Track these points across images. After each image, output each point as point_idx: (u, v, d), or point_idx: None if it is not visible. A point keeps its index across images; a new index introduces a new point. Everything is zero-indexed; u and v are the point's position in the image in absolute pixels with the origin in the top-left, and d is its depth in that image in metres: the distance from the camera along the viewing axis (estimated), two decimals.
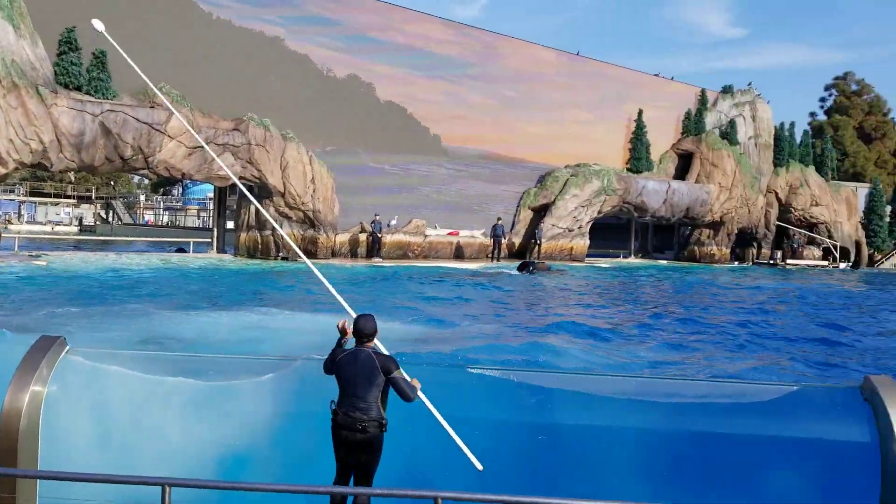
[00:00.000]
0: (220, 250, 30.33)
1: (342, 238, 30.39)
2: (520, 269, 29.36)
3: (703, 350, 11.65)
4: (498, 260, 33.39)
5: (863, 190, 52.08)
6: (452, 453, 5.09)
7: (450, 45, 35.28)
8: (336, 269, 24.61)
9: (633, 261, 42.15)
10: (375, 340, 5.15)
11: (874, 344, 13.76)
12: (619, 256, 42.63)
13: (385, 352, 5.18)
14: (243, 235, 28.97)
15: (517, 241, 36.19)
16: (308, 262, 7.09)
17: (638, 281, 29.04)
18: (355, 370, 4.95)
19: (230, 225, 32.61)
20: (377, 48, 32.70)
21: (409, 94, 33.59)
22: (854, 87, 74.20)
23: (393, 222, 31.13)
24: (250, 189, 28.65)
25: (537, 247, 34.91)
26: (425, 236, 32.74)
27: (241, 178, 27.12)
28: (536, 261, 31.34)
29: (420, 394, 5.04)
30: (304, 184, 28.27)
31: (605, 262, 37.36)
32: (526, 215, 36.72)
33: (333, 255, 29.51)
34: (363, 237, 31.06)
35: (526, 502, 3.48)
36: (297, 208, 28.31)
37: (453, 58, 35.24)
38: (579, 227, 37.14)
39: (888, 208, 50.12)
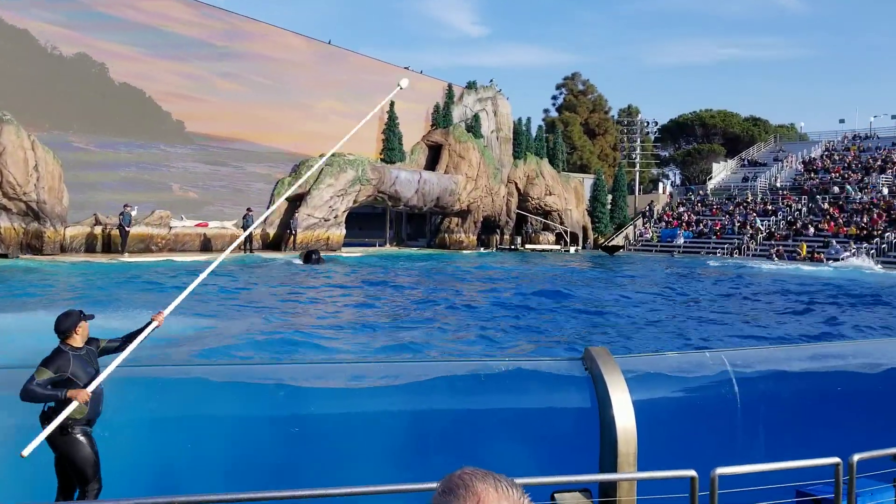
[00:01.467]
0: None
1: (73, 231, 27.66)
2: (305, 259, 29.01)
3: (449, 329, 12.17)
4: (251, 251, 32.38)
5: (588, 180, 57.74)
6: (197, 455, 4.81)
7: (192, 26, 33.44)
8: (70, 268, 22.36)
9: (388, 249, 43.09)
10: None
11: (591, 318, 15.30)
12: (374, 245, 43.35)
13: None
14: None
15: (272, 231, 35.37)
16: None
17: (399, 268, 29.75)
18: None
19: None
20: (109, 25, 30.08)
21: (147, 75, 31.33)
22: (581, 87, 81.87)
23: (133, 213, 28.67)
24: None
25: (293, 237, 34.40)
26: (170, 228, 30.79)
27: None
28: (313, 249, 31.06)
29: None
30: (25, 172, 25.29)
31: (358, 252, 37.72)
32: (280, 205, 35.96)
33: (63, 250, 26.77)
34: (98, 230, 28.51)
35: (250, 498, 3.36)
36: (17, 199, 25.26)
37: (196, 39, 33.46)
38: (335, 217, 37.17)
39: (609, 197, 56.04)
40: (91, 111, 29.17)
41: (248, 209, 33.06)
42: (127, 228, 27.94)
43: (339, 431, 5.49)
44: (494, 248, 48.03)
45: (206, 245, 32.19)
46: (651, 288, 23.73)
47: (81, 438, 4.66)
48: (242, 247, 32.58)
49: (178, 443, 5.12)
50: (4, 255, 24.69)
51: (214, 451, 5.19)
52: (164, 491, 4.27)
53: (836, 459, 4.97)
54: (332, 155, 38.03)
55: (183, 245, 31.27)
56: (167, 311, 5.14)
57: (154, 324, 5.03)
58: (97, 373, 4.84)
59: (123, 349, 5.00)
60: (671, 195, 63.47)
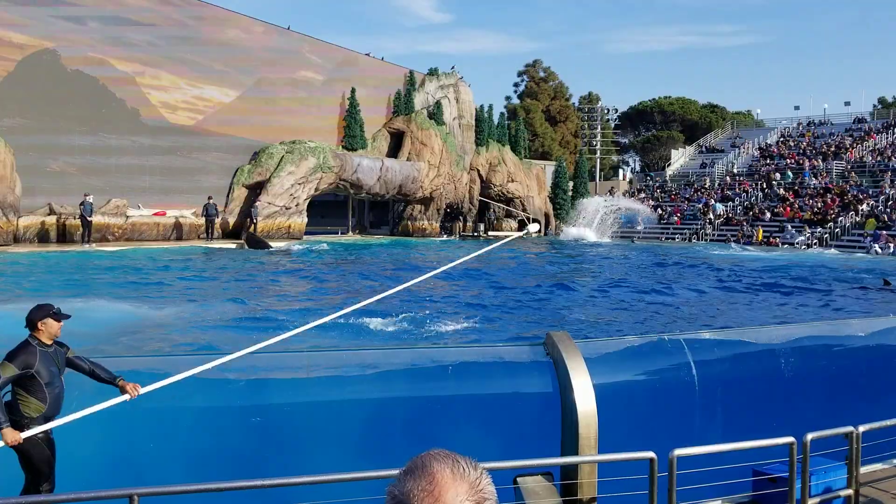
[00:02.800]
0: None
1: (27, 221, 27.01)
2: (249, 243, 29.15)
3: (421, 317, 12.16)
4: (211, 240, 31.97)
5: (550, 167, 58.05)
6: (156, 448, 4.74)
7: (148, 13, 32.74)
8: (27, 259, 21.81)
9: (351, 237, 42.87)
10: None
11: (561, 300, 15.45)
12: (337, 233, 43.09)
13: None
14: None
15: (232, 220, 34.92)
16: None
17: (364, 256, 29.62)
18: None
19: None
20: (60, 10, 29.30)
21: (101, 61, 30.63)
22: (542, 75, 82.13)
23: (89, 199, 27.92)
24: None
25: (253, 225, 34.03)
26: (127, 217, 30.19)
27: None
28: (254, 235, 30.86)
29: None
30: None
31: (321, 239, 37.47)
32: (240, 193, 35.53)
33: (16, 240, 26.12)
34: (53, 220, 27.88)
35: (225, 487, 3.33)
36: None
37: (152, 26, 32.77)
38: (296, 205, 36.82)
39: (570, 183, 56.42)
40: (42, 98, 28.43)
41: (209, 197, 32.63)
42: (89, 218, 27.31)
43: (299, 420, 5.46)
44: (457, 236, 48.08)
45: (167, 234, 31.68)
46: (615, 273, 24.01)
47: (40, 437, 4.55)
48: (206, 236, 32.17)
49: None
50: None
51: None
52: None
53: (790, 439, 5.09)
54: (293, 142, 37.87)
55: (141, 234, 30.72)
56: (145, 389, 4.75)
57: (125, 396, 4.67)
58: (60, 374, 4.71)
59: (90, 375, 4.81)
60: (631, 181, 64.21)
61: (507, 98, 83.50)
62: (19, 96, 27.73)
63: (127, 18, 31.66)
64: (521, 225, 50.92)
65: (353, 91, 41.91)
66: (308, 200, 37.63)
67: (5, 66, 27.43)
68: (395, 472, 3.88)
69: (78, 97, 29.67)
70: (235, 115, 35.96)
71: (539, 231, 50.50)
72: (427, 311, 13.11)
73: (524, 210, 51.35)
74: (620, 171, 73.16)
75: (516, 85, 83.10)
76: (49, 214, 28.01)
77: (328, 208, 43.52)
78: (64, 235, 27.99)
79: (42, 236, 27.59)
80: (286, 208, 36.20)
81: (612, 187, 61.25)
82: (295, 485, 3.51)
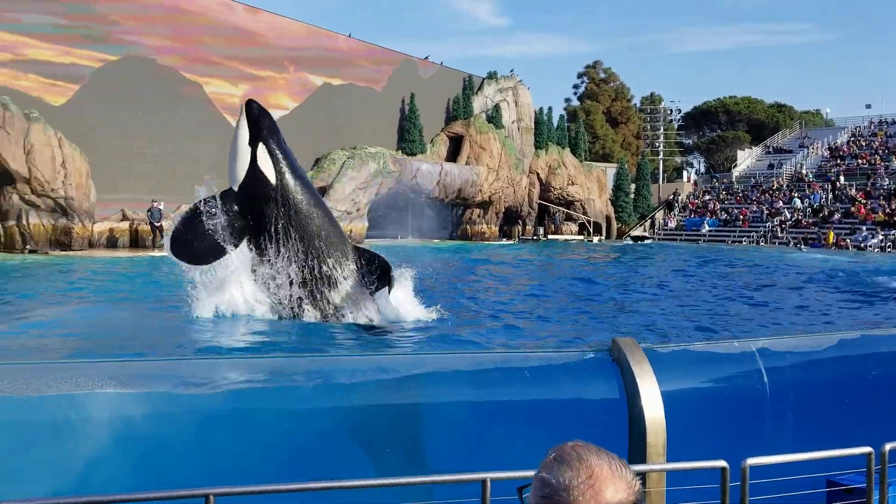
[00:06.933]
0: None
1: (101, 227, 28.04)
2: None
3: (484, 322, 12.16)
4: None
5: (611, 169, 57.37)
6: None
7: (214, 19, 33.64)
8: (110, 264, 22.50)
9: (409, 241, 43.16)
10: None
11: (628, 306, 15.25)
12: (396, 238, 43.43)
13: None
14: None
15: None
16: None
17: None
18: None
19: None
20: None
21: (172, 68, 31.60)
22: (602, 76, 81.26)
23: (161, 207, 28.84)
24: None
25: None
26: None
27: None
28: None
29: None
30: (52, 169, 25.66)
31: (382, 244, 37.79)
32: None
33: (91, 246, 27.13)
34: (124, 226, 28.88)
35: (287, 489, 3.40)
36: (45, 195, 25.65)
37: (214, 28, 33.65)
38: (357, 210, 37.30)
39: (633, 186, 55.65)
40: (120, 107, 29.41)
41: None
42: (157, 224, 28.14)
43: (355, 423, 5.47)
44: (517, 239, 47.92)
45: None
46: (679, 277, 23.58)
47: None
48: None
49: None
50: (34, 251, 25.08)
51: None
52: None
53: (867, 449, 4.93)
54: (353, 148, 38.33)
55: None
56: None
57: None
58: None
59: None
60: (695, 183, 62.90)
61: (567, 100, 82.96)
62: (95, 104, 28.77)
63: (196, 25, 32.57)
64: (582, 228, 50.39)
65: (412, 96, 42.22)
66: (368, 205, 38.06)
67: (81, 77, 28.51)
68: (448, 477, 3.82)
69: (153, 104, 30.64)
70: (298, 122, 36.63)
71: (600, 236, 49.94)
72: (479, 314, 13.11)
73: (585, 213, 50.85)
74: (684, 173, 71.70)
75: (576, 87, 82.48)
76: (122, 220, 29.01)
77: (387, 213, 43.93)
78: (136, 241, 28.94)
79: (115, 242, 28.59)
80: (347, 213, 36.69)
81: (676, 189, 60.13)
82: (338, 488, 3.54)
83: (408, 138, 42.34)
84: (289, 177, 10.32)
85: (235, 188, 10.40)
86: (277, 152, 10.34)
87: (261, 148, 10.21)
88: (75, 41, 28.58)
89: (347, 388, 5.48)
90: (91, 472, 4.46)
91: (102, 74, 29.28)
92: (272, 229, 10.15)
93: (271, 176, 10.22)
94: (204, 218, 9.98)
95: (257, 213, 10.19)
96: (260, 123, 10.37)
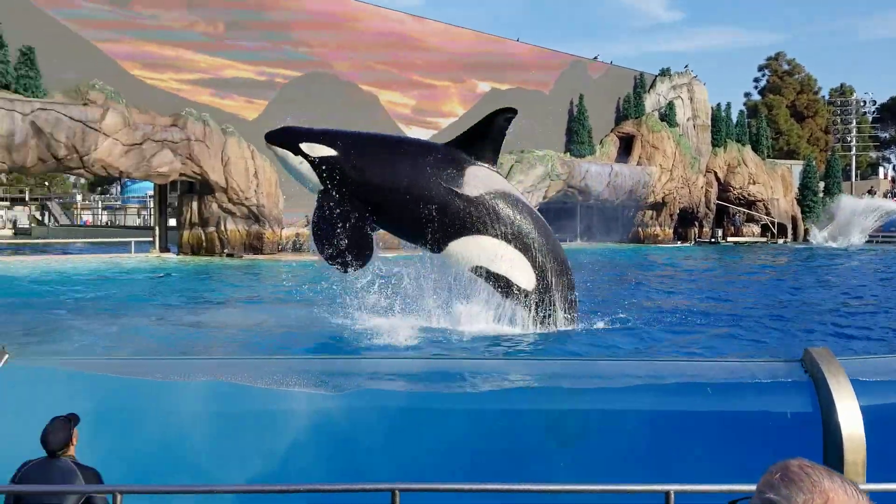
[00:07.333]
0: (163, 248, 29.67)
1: (288, 232, 30.05)
2: None
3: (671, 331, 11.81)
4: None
5: (797, 167, 53.67)
6: None
7: (387, 28, 35.05)
8: (301, 267, 23.98)
9: (578, 244, 42.68)
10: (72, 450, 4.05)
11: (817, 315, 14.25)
12: (564, 241, 43.07)
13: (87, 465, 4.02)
14: (186, 233, 28.41)
15: None
16: None
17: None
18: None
19: (172, 222, 31.91)
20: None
21: (350, 80, 33.29)
22: (786, 67, 76.24)
23: None
24: (191, 185, 28.11)
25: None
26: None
27: (181, 174, 26.60)
28: None
29: None
30: (246, 179, 27.84)
31: None
32: None
33: (280, 250, 29.16)
34: (307, 231, 30.76)
35: (472, 489, 3.49)
36: (240, 204, 27.88)
37: (384, 37, 35.01)
38: None
39: (821, 184, 51.76)
40: (306, 115, 31.45)
41: None
42: None
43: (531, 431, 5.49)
44: (693, 242, 46.02)
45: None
46: (879, 283, 21.68)
47: None
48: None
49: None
50: (231, 255, 27.34)
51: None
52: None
53: None
54: (521, 151, 38.49)
55: (385, 243, 32.86)
56: None
57: None
58: None
59: None
60: (893, 180, 57.39)
61: (747, 95, 78.64)
62: (282, 118, 30.91)
63: (370, 37, 34.09)
64: (765, 230, 47.55)
65: (580, 97, 41.77)
66: (536, 208, 38.00)
67: (270, 93, 30.75)
68: (642, 486, 3.76)
69: (333, 115, 32.46)
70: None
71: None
72: (659, 319, 12.72)
73: (767, 214, 47.94)
74: (880, 169, 65.74)
75: (756, 80, 77.98)
76: (306, 226, 30.93)
77: (555, 216, 43.65)
78: None
79: (300, 246, 30.54)
80: None
81: (872, 187, 55.24)
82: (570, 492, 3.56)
83: (576, 140, 41.92)
84: (346, 146, 10.17)
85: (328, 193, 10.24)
86: (320, 138, 10.25)
87: (304, 146, 10.18)
88: (267, 62, 30.90)
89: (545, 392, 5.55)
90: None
91: (289, 89, 31.42)
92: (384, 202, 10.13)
93: (330, 154, 10.04)
94: (330, 213, 9.93)
95: (359, 199, 10.10)
96: (284, 135, 10.49)
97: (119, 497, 3.40)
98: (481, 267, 10.26)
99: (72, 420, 4.06)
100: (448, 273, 10.81)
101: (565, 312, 10.65)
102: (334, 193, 10.06)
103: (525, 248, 10.26)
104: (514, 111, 10.69)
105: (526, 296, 10.36)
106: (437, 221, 9.87)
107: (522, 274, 10.31)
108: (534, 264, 10.32)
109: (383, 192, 10.03)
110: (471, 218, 9.99)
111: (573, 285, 10.92)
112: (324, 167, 10.03)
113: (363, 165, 10.09)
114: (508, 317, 10.55)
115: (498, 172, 10.97)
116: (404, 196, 9.89)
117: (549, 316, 10.47)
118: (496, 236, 10.11)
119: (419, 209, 9.81)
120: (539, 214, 11.19)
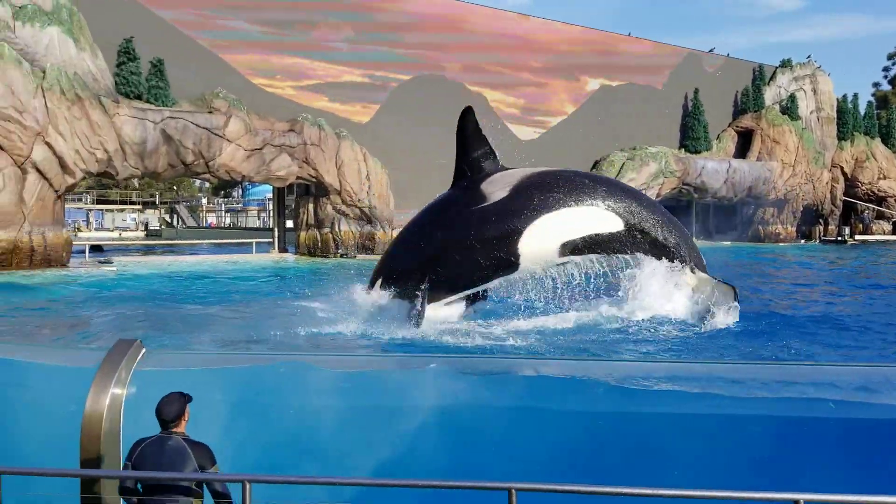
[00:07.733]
0: (282, 249, 30.86)
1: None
2: None
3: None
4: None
5: None
6: None
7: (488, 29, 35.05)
8: None
9: (696, 244, 41.29)
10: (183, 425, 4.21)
11: None
12: None
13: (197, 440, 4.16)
14: (303, 234, 29.43)
15: None
16: None
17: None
18: (162, 463, 4.00)
19: (290, 224, 33.10)
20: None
21: (454, 83, 33.53)
22: None
23: None
24: (307, 188, 29.10)
25: None
26: None
27: (298, 177, 27.57)
28: None
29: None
30: (359, 181, 28.55)
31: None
32: None
33: None
34: None
35: (590, 490, 3.44)
36: (353, 205, 28.62)
37: (485, 37, 34.99)
38: None
39: None
40: (411, 120, 31.87)
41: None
42: None
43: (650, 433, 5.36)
44: (817, 240, 43.67)
45: None
46: None
47: None
48: None
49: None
50: (344, 255, 28.11)
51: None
52: None
53: None
54: (633, 148, 37.64)
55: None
56: None
57: None
58: None
59: None
60: None
61: (876, 85, 73.85)
62: (392, 121, 31.48)
63: (476, 38, 34.18)
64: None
65: (695, 91, 40.46)
66: None
67: (381, 97, 31.40)
68: (772, 494, 3.60)
69: (441, 117, 32.80)
70: (576, 126, 36.85)
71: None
72: (792, 321, 12.12)
73: None
74: None
75: (886, 70, 73.14)
76: None
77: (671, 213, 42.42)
78: None
79: None
80: None
81: None
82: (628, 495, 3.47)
83: (691, 136, 40.61)
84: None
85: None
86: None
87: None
88: (379, 64, 31.58)
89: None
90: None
91: (399, 92, 31.99)
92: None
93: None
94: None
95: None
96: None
97: (248, 486, 3.55)
98: (569, 241, 10.00)
99: (185, 396, 4.24)
100: (542, 281, 10.70)
101: (682, 253, 10.74)
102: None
103: (584, 198, 10.08)
104: (469, 108, 10.91)
105: (623, 239, 10.19)
106: (499, 239, 9.96)
107: (605, 223, 10.05)
108: (614, 211, 10.15)
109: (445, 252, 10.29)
110: (531, 206, 9.97)
111: (662, 223, 10.81)
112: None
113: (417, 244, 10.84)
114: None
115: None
116: (462, 242, 10.10)
117: (678, 257, 10.70)
118: (558, 207, 9.94)
119: (476, 247, 10.01)
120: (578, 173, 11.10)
